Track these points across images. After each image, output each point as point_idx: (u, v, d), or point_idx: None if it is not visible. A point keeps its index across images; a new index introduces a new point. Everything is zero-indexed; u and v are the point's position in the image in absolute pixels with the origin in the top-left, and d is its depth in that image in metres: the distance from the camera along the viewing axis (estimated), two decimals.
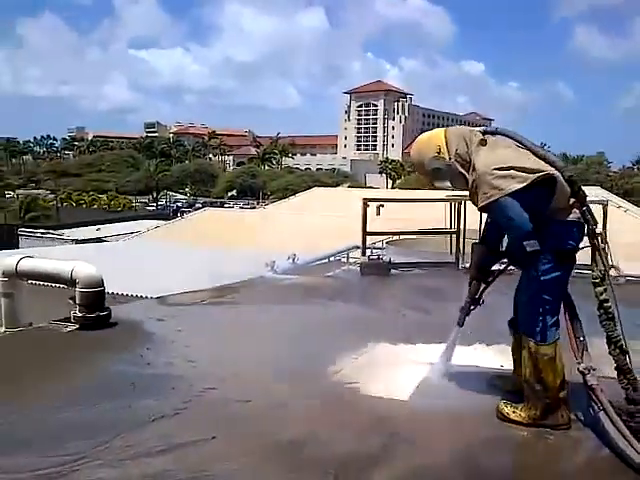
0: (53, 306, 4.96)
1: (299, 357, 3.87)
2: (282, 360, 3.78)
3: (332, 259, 8.52)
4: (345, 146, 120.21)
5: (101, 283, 4.52)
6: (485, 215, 3.06)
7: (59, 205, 44.76)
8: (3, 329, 4.89)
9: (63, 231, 23.43)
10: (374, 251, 8.07)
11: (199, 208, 33.73)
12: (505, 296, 3.08)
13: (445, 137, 2.87)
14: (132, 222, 26.83)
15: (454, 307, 3.32)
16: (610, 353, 2.67)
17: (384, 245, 9.39)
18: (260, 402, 3.12)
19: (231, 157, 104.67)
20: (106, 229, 24.01)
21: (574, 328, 2.81)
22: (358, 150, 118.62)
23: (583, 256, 2.79)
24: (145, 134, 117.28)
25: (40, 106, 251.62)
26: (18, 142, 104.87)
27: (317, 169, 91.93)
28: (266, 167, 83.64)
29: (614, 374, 2.70)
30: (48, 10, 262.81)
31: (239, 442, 2.68)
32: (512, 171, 2.63)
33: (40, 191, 56.81)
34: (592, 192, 14.08)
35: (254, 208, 34.37)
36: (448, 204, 7.78)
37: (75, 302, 4.44)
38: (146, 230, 19.52)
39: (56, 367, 3.67)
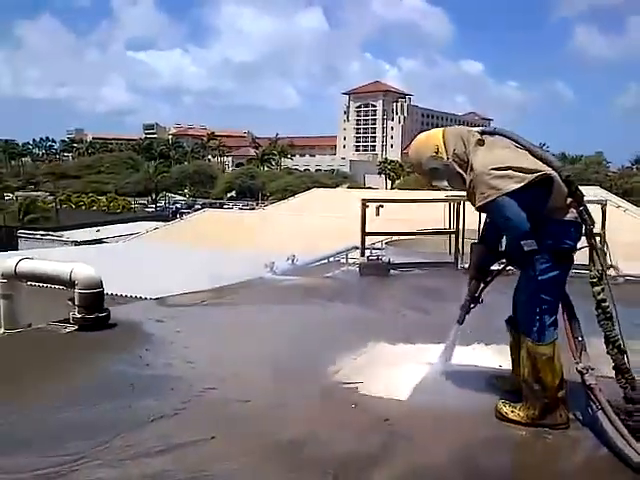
0: (52, 307, 4.97)
1: (299, 357, 3.87)
2: (282, 360, 3.79)
3: (331, 260, 8.52)
4: (344, 147, 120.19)
5: (100, 284, 4.52)
6: (484, 215, 3.07)
7: (58, 207, 44.76)
8: (2, 330, 4.88)
9: (62, 233, 23.39)
10: (373, 252, 8.06)
11: (198, 209, 33.68)
12: (504, 295, 3.09)
13: (443, 137, 2.89)
14: (131, 223, 26.87)
15: (453, 307, 3.33)
16: (608, 353, 2.68)
17: (383, 245, 9.40)
18: (260, 402, 3.12)
19: (230, 158, 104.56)
20: (105, 230, 23.98)
21: (572, 328, 2.82)
22: (357, 151, 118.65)
23: (581, 256, 2.80)
24: (144, 136, 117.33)
25: (39, 108, 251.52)
26: (17, 144, 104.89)
27: (316, 170, 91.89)
28: (265, 168, 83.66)
29: (612, 374, 2.70)
30: (46, 12, 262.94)
31: (239, 442, 2.68)
32: (510, 171, 2.64)
33: (39, 193, 56.91)
34: (591, 192, 14.16)
35: (253, 209, 34.30)
36: (447, 204, 7.79)
37: (74, 303, 4.44)
38: (145, 231, 19.51)
39: (56, 368, 3.68)
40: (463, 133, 2.90)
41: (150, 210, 55.44)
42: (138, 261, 12.20)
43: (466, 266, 4.11)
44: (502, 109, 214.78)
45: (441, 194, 6.07)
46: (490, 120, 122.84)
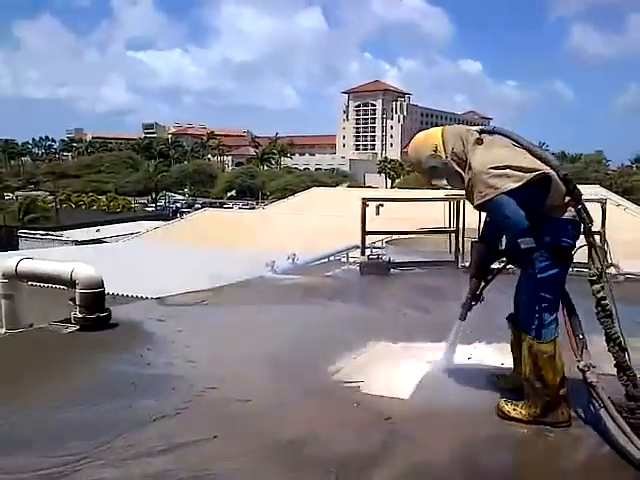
0: (53, 307, 4.97)
1: (299, 356, 3.88)
2: (282, 359, 3.79)
3: (331, 259, 8.53)
4: (344, 146, 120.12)
5: (101, 284, 4.52)
6: (484, 214, 3.08)
7: (58, 206, 44.71)
8: (3, 330, 4.89)
9: (62, 232, 23.38)
10: (373, 250, 8.05)
11: (198, 209, 33.70)
12: (504, 294, 3.09)
13: (442, 136, 2.89)
14: (131, 223, 26.83)
15: (454, 306, 3.34)
16: (609, 350, 2.68)
17: (383, 244, 9.38)
18: (260, 402, 3.12)
19: (230, 157, 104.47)
20: (105, 230, 23.96)
21: (573, 326, 2.82)
22: (357, 150, 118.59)
23: (580, 254, 2.80)
24: (143, 135, 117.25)
25: (38, 108, 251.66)
26: (17, 144, 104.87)
27: (316, 169, 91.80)
28: (265, 167, 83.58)
29: (614, 371, 2.71)
30: (46, 12, 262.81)
31: (239, 441, 2.69)
32: (508, 170, 2.64)
33: (39, 193, 56.92)
34: (591, 190, 14.15)
35: (253, 208, 34.38)
36: (447, 203, 7.78)
37: (75, 303, 4.45)
38: (145, 231, 19.50)
39: (56, 367, 3.68)
40: (462, 132, 2.90)
41: (150, 209, 55.38)
42: (138, 261, 12.19)
43: (466, 265, 4.11)
44: (501, 108, 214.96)
45: (441, 193, 6.08)
46: (490, 119, 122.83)
